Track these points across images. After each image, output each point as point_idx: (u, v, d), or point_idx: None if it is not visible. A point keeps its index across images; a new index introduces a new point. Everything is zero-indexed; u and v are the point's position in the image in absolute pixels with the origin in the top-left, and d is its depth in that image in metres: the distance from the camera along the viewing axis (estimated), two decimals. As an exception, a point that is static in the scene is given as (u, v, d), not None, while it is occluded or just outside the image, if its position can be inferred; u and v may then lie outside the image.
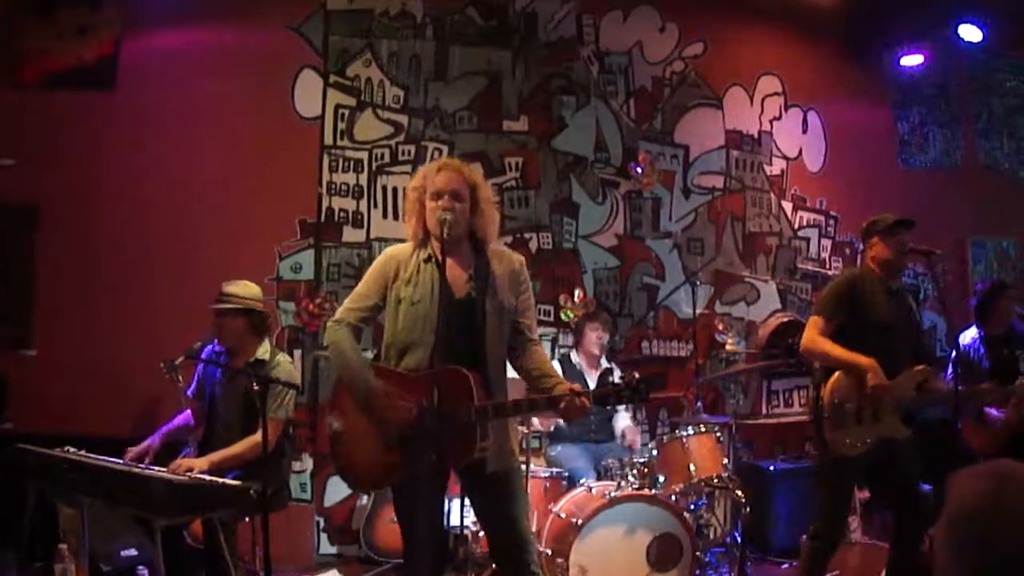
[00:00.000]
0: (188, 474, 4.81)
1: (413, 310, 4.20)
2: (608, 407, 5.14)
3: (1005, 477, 1.86)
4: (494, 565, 6.09)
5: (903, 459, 5.26)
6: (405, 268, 4.30)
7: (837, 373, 5.27)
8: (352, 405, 4.24)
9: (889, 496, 5.47)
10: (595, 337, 7.27)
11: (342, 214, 7.87)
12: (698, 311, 7.98)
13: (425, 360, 4.14)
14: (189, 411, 5.75)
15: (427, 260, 4.26)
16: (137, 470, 4.66)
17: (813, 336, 5.35)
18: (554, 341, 8.05)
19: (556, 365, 7.17)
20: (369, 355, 4.72)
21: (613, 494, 5.91)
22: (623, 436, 7.18)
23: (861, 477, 5.57)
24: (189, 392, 5.76)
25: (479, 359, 4.17)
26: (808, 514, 7.16)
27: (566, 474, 6.70)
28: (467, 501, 4.41)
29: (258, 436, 4.84)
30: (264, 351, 5.52)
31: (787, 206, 8.87)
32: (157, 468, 4.95)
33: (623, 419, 7.37)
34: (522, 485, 4.46)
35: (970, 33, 8.45)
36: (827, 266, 8.88)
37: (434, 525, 4.26)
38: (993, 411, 6.54)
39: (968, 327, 7.14)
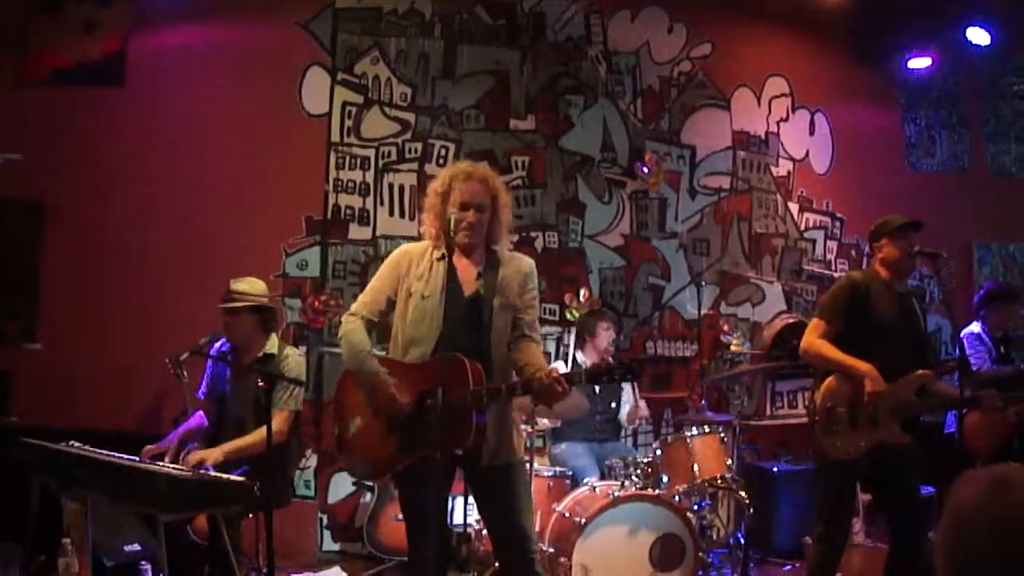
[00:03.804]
0: (201, 468, 4.82)
1: (422, 305, 4.27)
2: (601, 383, 5.12)
3: (1004, 481, 1.86)
4: (496, 563, 6.12)
5: (903, 463, 5.21)
6: (418, 264, 4.37)
7: (831, 377, 5.23)
8: (357, 394, 4.32)
9: (887, 501, 5.43)
10: (609, 335, 7.25)
11: (348, 211, 7.87)
12: (703, 312, 7.99)
13: (429, 354, 4.21)
14: (202, 412, 5.74)
15: (440, 258, 4.33)
16: (141, 465, 4.66)
17: (812, 339, 5.34)
18: (559, 340, 8.05)
19: (561, 365, 7.20)
20: (378, 352, 4.73)
21: (617, 494, 5.91)
22: (629, 415, 7.21)
23: (861, 480, 5.53)
24: (200, 394, 5.74)
25: (485, 356, 4.22)
26: (810, 515, 7.21)
27: (570, 473, 6.69)
28: (471, 499, 4.44)
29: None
30: (272, 345, 5.53)
31: (793, 207, 8.86)
32: (164, 463, 4.96)
33: (626, 400, 7.34)
34: (524, 482, 4.46)
35: (978, 36, 8.43)
36: (833, 268, 8.87)
37: (438, 517, 4.29)
38: None
39: (970, 322, 7.17)
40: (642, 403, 7.33)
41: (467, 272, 4.36)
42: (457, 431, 4.04)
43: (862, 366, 5.09)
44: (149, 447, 5.34)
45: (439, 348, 4.16)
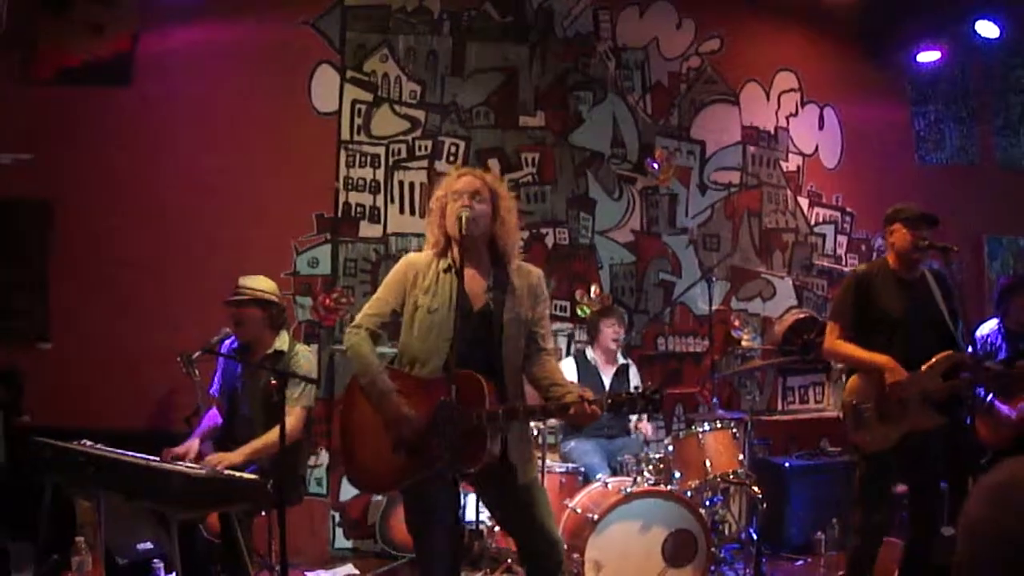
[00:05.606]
0: (219, 467, 4.83)
1: (429, 318, 4.18)
2: (622, 414, 5.12)
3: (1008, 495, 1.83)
4: (510, 561, 6.12)
5: (931, 454, 5.25)
6: (424, 276, 4.27)
7: (854, 376, 5.29)
8: (365, 407, 4.23)
9: (912, 492, 5.44)
10: (611, 333, 7.25)
11: (359, 209, 7.87)
12: (714, 307, 7.95)
13: (439, 369, 4.11)
14: (215, 409, 5.75)
15: (446, 270, 4.23)
16: (154, 464, 4.67)
17: (831, 340, 5.41)
18: (570, 337, 8.05)
19: (571, 362, 7.21)
20: (388, 350, 4.70)
21: (629, 490, 5.90)
22: (636, 426, 7.22)
23: (896, 471, 5.47)
24: (213, 391, 5.76)
25: (496, 371, 4.14)
26: (823, 510, 7.22)
27: (582, 469, 6.70)
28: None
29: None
30: (282, 342, 5.53)
31: (803, 202, 8.84)
32: (184, 462, 4.98)
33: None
34: (544, 492, 4.46)
35: (988, 30, 8.40)
36: (843, 262, 8.85)
37: (449, 527, 4.20)
38: (1003, 408, 6.50)
39: (988, 319, 7.13)
40: (650, 426, 7.37)
41: (475, 284, 4.24)
42: (471, 452, 3.97)
43: (879, 359, 5.13)
44: (172, 449, 5.33)
45: (450, 363, 4.01)
